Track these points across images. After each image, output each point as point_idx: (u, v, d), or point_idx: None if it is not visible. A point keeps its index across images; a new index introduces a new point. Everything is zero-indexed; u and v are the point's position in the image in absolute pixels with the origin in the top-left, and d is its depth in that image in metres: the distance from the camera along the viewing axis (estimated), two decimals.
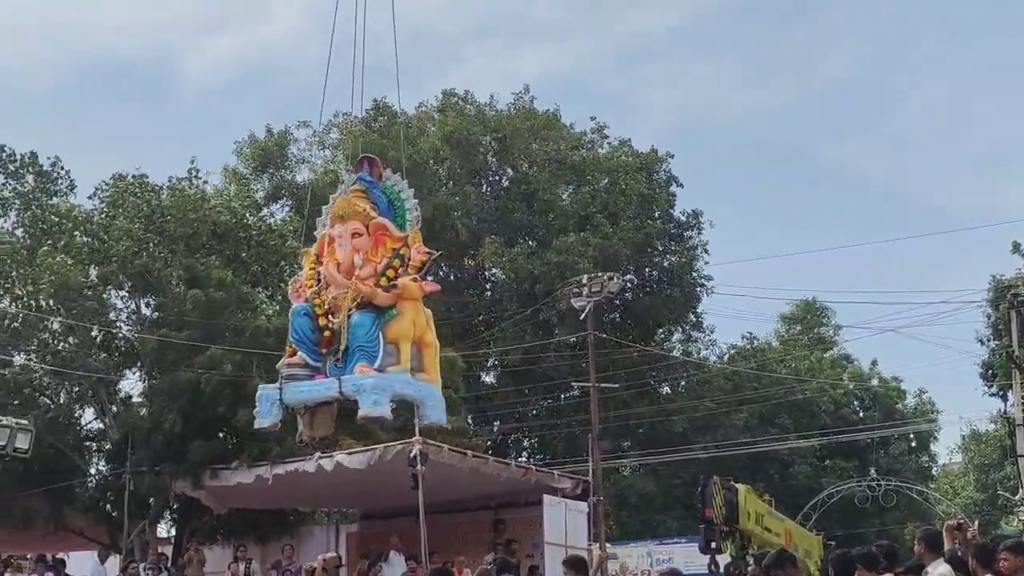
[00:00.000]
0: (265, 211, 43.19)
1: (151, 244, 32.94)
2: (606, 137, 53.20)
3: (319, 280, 13.23)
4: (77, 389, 33.69)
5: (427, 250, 13.45)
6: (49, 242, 32.75)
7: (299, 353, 12.90)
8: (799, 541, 27.13)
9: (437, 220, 48.18)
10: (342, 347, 12.71)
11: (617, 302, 48.08)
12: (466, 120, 51.01)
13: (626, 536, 46.25)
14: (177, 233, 33.00)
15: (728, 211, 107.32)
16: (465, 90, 53.78)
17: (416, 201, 13.94)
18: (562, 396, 48.34)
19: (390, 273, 12.98)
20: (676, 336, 54.62)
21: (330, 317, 12.85)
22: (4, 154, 34.15)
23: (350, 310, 12.75)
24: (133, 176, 34.30)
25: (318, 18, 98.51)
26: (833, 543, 28.39)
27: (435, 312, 44.62)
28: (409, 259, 13.17)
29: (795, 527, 29.49)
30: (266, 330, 30.70)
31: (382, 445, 27.89)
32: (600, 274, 37.69)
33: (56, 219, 33.45)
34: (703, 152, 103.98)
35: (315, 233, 13.67)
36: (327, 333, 12.83)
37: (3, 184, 34.00)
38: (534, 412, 51.35)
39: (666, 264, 51.24)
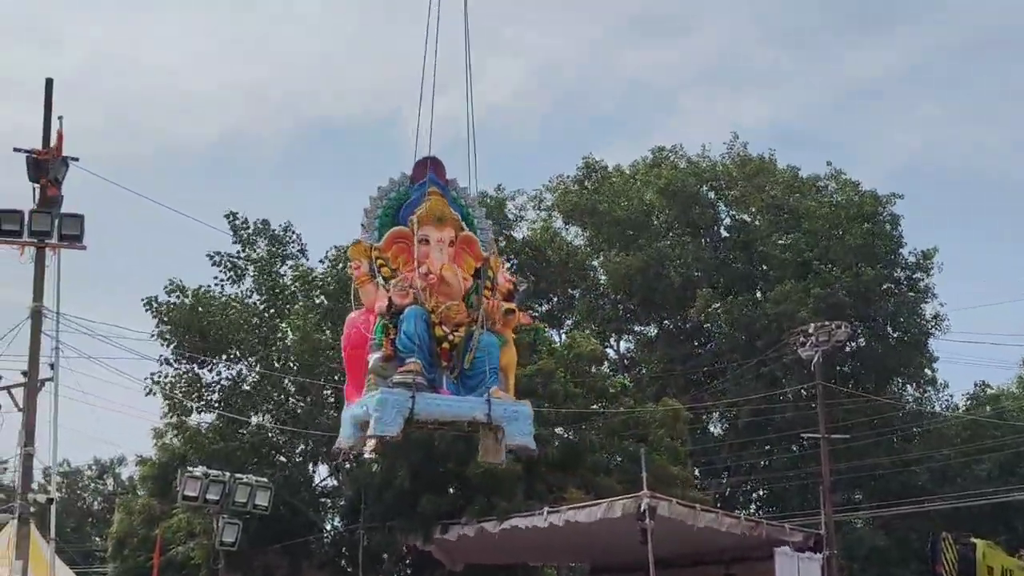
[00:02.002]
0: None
1: None
2: (842, 183, 52.05)
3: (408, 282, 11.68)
4: (311, 447, 34.61)
5: (511, 278, 12.33)
6: (288, 305, 33.87)
7: (413, 360, 11.19)
8: None
9: (651, 270, 48.08)
10: (464, 365, 11.47)
11: (847, 350, 46.95)
12: (680, 172, 50.84)
13: None
14: None
15: (959, 253, 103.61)
16: (673, 144, 53.75)
17: (490, 222, 12.80)
18: (793, 447, 47.40)
19: (486, 294, 11.78)
20: (909, 390, 52.93)
21: (443, 328, 11.46)
22: (238, 221, 35.20)
23: (473, 326, 11.53)
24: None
25: (537, 77, 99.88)
26: None
27: (658, 364, 44.14)
28: (496, 284, 11.96)
29: None
30: None
31: (609, 499, 27.86)
32: (828, 323, 36.90)
33: (289, 283, 34.53)
34: (931, 193, 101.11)
35: (361, 223, 12.00)
36: (445, 345, 11.41)
37: (238, 251, 35.07)
38: (763, 463, 50.50)
39: (893, 309, 49.79)
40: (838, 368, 48.17)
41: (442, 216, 11.85)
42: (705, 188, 51.85)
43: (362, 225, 11.95)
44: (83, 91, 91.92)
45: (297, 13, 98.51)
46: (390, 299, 11.29)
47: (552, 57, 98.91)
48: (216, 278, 34.55)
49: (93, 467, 65.43)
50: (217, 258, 34.55)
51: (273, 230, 35.52)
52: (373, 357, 11.31)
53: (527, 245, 50.63)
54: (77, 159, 23.10)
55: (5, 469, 36.24)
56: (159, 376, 32.96)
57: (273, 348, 33.46)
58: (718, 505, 39.22)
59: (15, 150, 22.65)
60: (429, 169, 12.09)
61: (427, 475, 30.77)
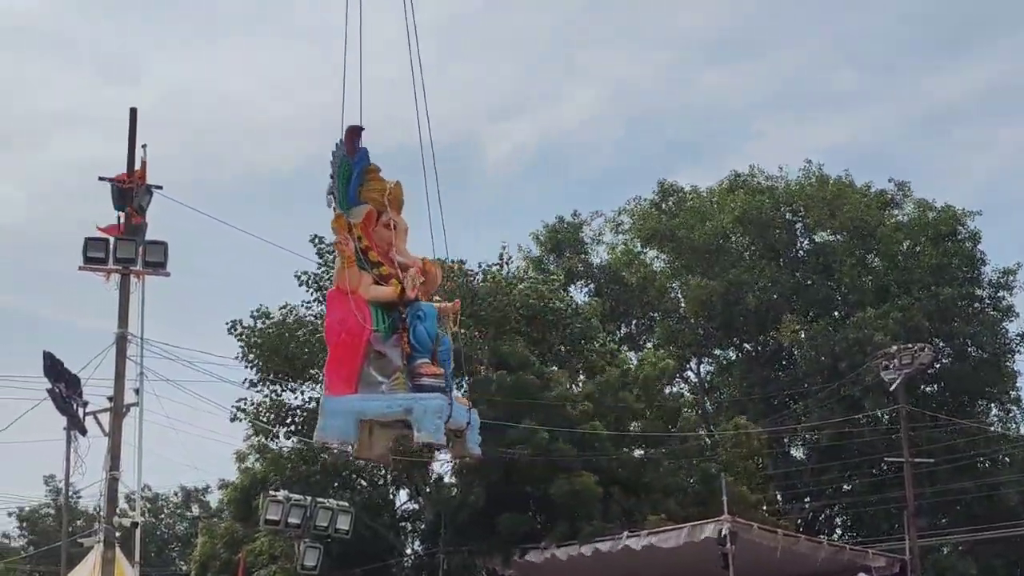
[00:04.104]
0: (564, 294, 43.84)
1: (465, 328, 33.99)
2: (916, 202, 51.54)
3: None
4: (392, 471, 34.76)
5: None
6: None
7: (425, 361, 10.47)
8: None
9: (730, 295, 47.84)
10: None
11: (929, 373, 46.35)
12: (757, 197, 50.51)
13: None
14: (490, 317, 33.87)
15: None
16: (750, 164, 53.48)
17: None
18: (873, 471, 46.82)
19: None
20: (994, 410, 52.05)
21: None
22: (323, 245, 35.31)
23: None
24: (452, 260, 35.39)
25: (611, 102, 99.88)
26: None
27: (737, 387, 43.91)
28: None
29: None
30: (572, 408, 31.34)
31: (690, 524, 27.72)
32: (911, 345, 36.48)
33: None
34: (1011, 217, 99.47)
35: (330, 192, 10.96)
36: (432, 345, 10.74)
37: (323, 272, 35.19)
38: (846, 488, 49.93)
39: (974, 329, 49.03)
40: (921, 389, 47.59)
41: (401, 202, 11.27)
42: (783, 210, 51.51)
43: (332, 194, 11.01)
44: (164, 122, 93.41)
45: (372, 40, 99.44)
46: (403, 289, 10.62)
47: (626, 82, 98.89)
48: (303, 302, 34.79)
49: (178, 493, 66.30)
50: (304, 278, 34.77)
51: None
52: (394, 353, 10.59)
53: (605, 269, 50.63)
54: (160, 187, 23.48)
55: (80, 497, 36.75)
56: (245, 403, 33.31)
57: None
58: (801, 530, 38.88)
59: (100, 179, 23.07)
60: (357, 145, 11.18)
61: (506, 497, 30.81)
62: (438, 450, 10.87)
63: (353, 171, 11.13)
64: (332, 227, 10.92)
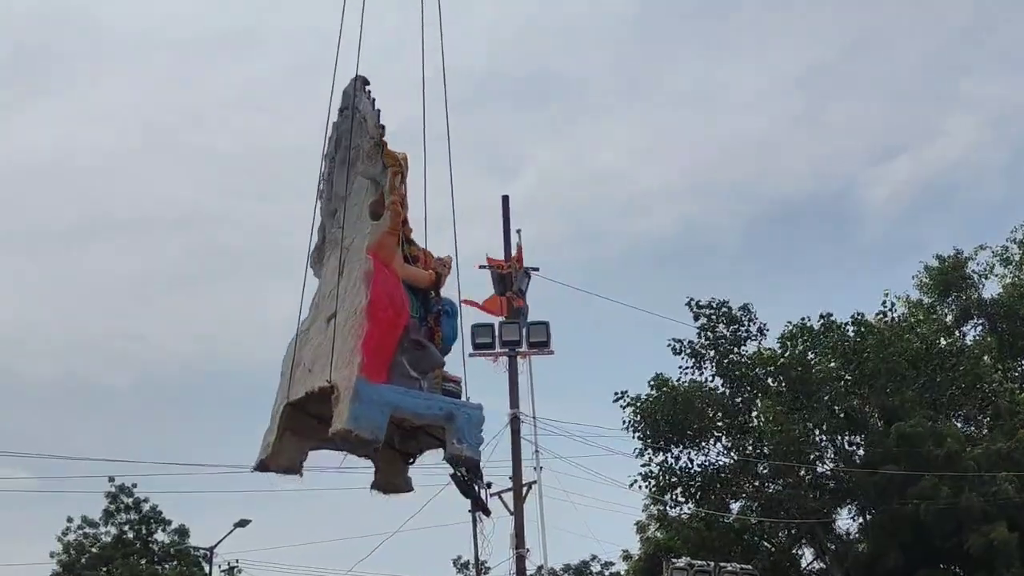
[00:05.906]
0: (957, 333, 42.08)
1: (850, 384, 33.35)
2: None
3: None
4: (794, 531, 34.21)
5: None
6: (753, 389, 33.87)
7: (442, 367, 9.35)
8: None
9: None
10: None
11: None
12: None
13: None
14: (875, 369, 33.02)
15: None
16: None
17: None
18: None
19: None
20: None
21: None
22: (700, 307, 35.38)
23: None
24: (821, 316, 34.75)
25: (997, 125, 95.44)
26: None
27: None
28: None
29: None
30: (972, 456, 30.15)
31: None
32: None
33: (749, 364, 34.42)
34: None
35: (377, 144, 9.49)
36: None
37: (698, 336, 35.23)
38: None
39: None
40: None
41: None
42: None
43: (379, 145, 9.50)
44: (540, 207, 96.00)
45: (734, 99, 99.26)
46: (439, 276, 9.45)
47: (1008, 103, 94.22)
48: (680, 367, 34.88)
49: (569, 570, 67.08)
50: (678, 346, 34.84)
51: (731, 309, 35.38)
52: (434, 351, 9.22)
53: (997, 303, 48.32)
54: (537, 269, 24.29)
55: (488, 569, 37.88)
56: (647, 471, 33.58)
57: (747, 433, 33.52)
58: None
59: (480, 267, 24.07)
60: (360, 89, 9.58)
61: (919, 551, 29.75)
62: (465, 465, 9.24)
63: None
64: (389, 183, 9.35)
